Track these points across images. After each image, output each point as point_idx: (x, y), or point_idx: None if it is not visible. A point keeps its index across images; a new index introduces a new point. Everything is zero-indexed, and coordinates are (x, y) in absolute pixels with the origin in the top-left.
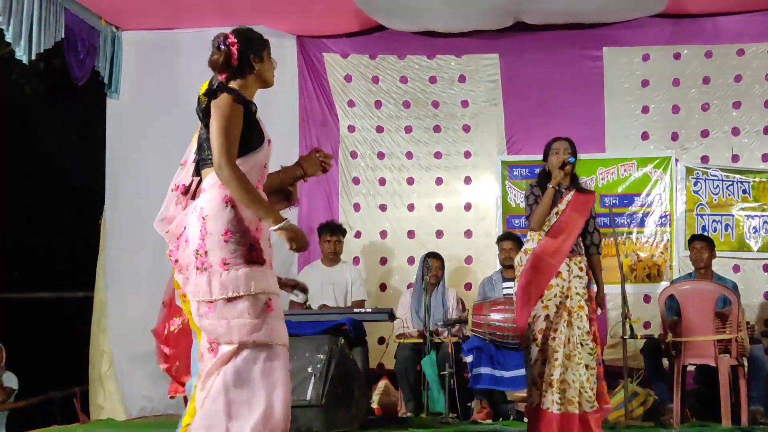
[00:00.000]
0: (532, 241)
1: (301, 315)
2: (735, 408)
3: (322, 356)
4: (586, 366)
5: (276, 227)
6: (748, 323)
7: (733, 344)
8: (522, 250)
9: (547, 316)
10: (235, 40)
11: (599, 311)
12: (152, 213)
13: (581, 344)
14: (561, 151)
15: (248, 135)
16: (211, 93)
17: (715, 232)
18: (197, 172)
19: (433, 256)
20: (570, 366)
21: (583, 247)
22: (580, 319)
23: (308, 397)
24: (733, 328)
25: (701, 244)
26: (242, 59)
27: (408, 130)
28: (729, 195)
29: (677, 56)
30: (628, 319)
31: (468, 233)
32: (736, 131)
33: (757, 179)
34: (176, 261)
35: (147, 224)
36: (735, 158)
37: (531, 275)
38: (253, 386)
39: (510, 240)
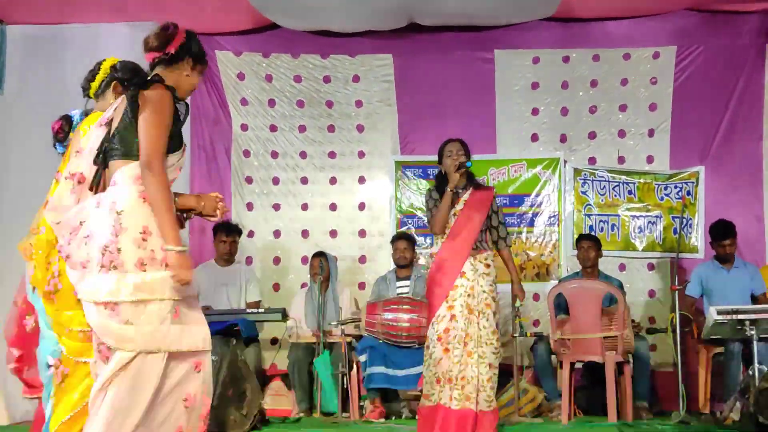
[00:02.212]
0: (436, 246)
1: None
2: (621, 403)
3: (213, 358)
4: (489, 365)
5: (172, 248)
6: (633, 321)
7: (619, 341)
8: (429, 254)
9: (453, 315)
10: (184, 35)
11: (518, 303)
12: (36, 208)
13: (485, 343)
14: (454, 153)
15: (172, 134)
16: (143, 83)
17: (601, 232)
18: (103, 162)
19: (317, 255)
20: (470, 363)
21: (489, 244)
22: (486, 318)
23: None
24: (619, 325)
25: (588, 244)
26: (179, 53)
27: (302, 129)
28: (615, 196)
29: (566, 59)
30: (517, 318)
31: (362, 233)
32: (622, 133)
33: (642, 180)
34: (68, 257)
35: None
36: (621, 160)
37: (436, 277)
38: (158, 395)
39: (404, 240)
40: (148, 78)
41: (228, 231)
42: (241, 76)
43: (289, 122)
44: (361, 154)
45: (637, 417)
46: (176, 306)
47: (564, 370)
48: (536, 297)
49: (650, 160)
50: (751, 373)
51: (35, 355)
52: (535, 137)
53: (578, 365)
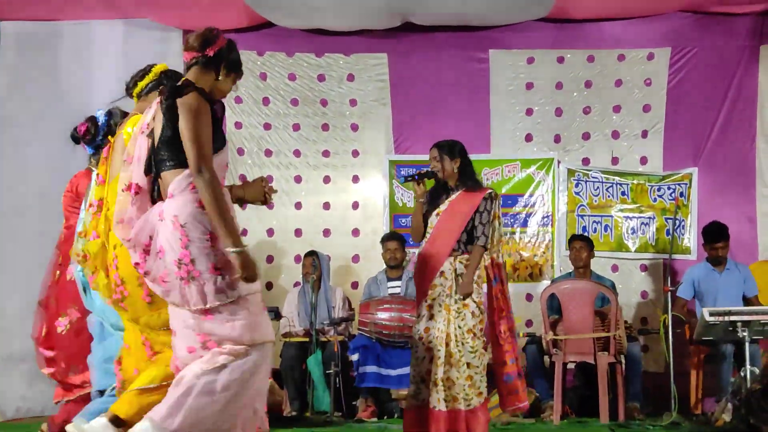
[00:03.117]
0: (421, 246)
1: None
2: (613, 404)
3: None
4: (468, 364)
5: (235, 250)
6: (625, 322)
7: (612, 342)
8: (415, 253)
9: (432, 315)
10: (225, 41)
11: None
12: (31, 206)
13: (461, 343)
14: (431, 161)
15: (213, 135)
16: (176, 90)
17: (594, 233)
18: (155, 172)
19: (309, 254)
20: (453, 364)
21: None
22: (461, 317)
23: None
24: (611, 326)
25: (581, 244)
26: (216, 58)
27: (296, 127)
28: (608, 197)
29: (561, 60)
30: None
31: (355, 232)
32: (616, 134)
33: (635, 181)
34: (146, 273)
35: (25, 218)
36: (615, 161)
37: (418, 277)
38: (249, 383)
39: (395, 240)
40: (178, 84)
41: None
42: None
43: (283, 120)
44: (355, 153)
45: (628, 418)
46: (255, 298)
47: (556, 370)
48: (529, 297)
49: (644, 161)
50: (742, 374)
51: (70, 358)
52: (529, 137)
53: (570, 366)
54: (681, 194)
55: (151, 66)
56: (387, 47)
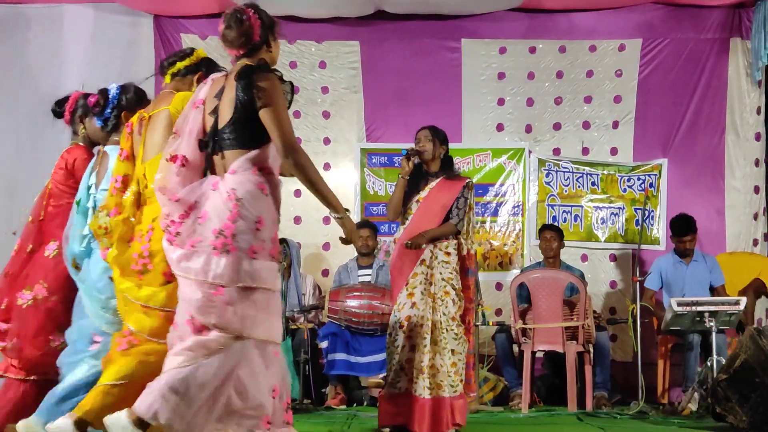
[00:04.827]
0: (398, 232)
1: None
2: (581, 393)
3: None
4: (452, 351)
5: (339, 215)
6: (594, 311)
7: (580, 331)
8: (393, 240)
9: (414, 303)
10: (257, 17)
11: (408, 242)
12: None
13: (446, 329)
14: (422, 140)
15: None
16: (251, 71)
17: (564, 223)
18: (213, 149)
19: (279, 241)
20: (438, 351)
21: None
22: (445, 305)
23: None
24: (580, 315)
25: (551, 234)
26: (262, 37)
27: None
28: (579, 187)
29: (533, 50)
30: (480, 307)
31: (326, 219)
32: (586, 125)
33: (605, 172)
34: (177, 234)
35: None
36: (585, 151)
37: (397, 264)
38: (248, 377)
39: (367, 228)
40: (255, 65)
41: None
42: None
43: None
44: (327, 141)
45: (596, 406)
46: (272, 297)
47: (525, 359)
48: (499, 286)
49: (614, 152)
50: (709, 364)
51: (24, 333)
52: (500, 127)
53: (539, 354)
54: (650, 185)
55: (192, 49)
56: (359, 35)
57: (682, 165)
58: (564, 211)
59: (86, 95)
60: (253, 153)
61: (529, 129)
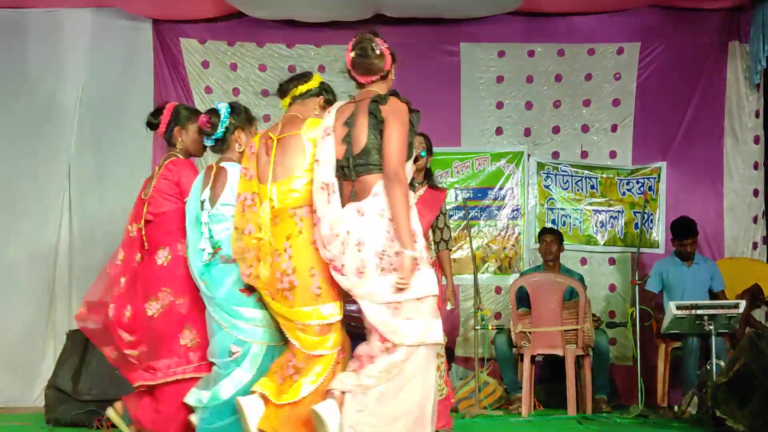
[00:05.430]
0: None
1: None
2: (581, 397)
3: None
4: (437, 354)
5: (412, 253)
6: (593, 315)
7: (580, 335)
8: None
9: None
10: (387, 48)
11: (449, 306)
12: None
13: None
14: (416, 146)
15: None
16: (385, 99)
17: (564, 226)
18: (348, 174)
19: None
20: None
21: (432, 244)
22: None
23: None
24: (579, 319)
25: (551, 237)
26: (391, 65)
27: (266, 118)
28: (578, 190)
29: (531, 54)
30: (479, 311)
31: None
32: (585, 128)
33: (604, 175)
34: (342, 265)
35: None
36: (584, 155)
37: None
38: (423, 380)
39: None
40: (386, 94)
41: None
42: (205, 64)
43: (254, 111)
44: None
45: (596, 410)
46: (435, 301)
47: (524, 363)
48: (498, 290)
49: (613, 155)
50: (708, 367)
51: (152, 341)
52: (499, 131)
53: (539, 358)
54: (650, 188)
55: (310, 72)
56: None
57: (681, 168)
58: (563, 215)
59: (184, 106)
60: None
61: (528, 132)
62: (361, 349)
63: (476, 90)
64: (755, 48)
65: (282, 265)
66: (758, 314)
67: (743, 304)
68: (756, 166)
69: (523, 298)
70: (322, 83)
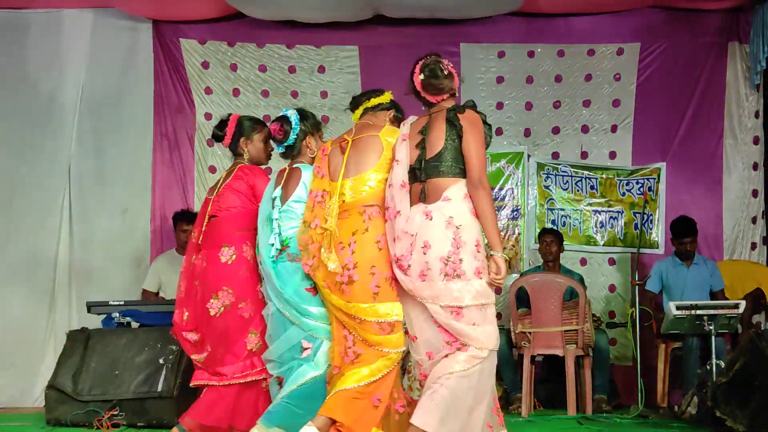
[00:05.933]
0: None
1: (152, 305)
2: (580, 397)
3: (173, 347)
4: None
5: (502, 255)
6: (593, 315)
7: (580, 335)
8: None
9: None
10: (452, 66)
11: None
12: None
13: None
14: None
15: None
16: (462, 109)
17: (564, 227)
18: (419, 177)
19: None
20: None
21: None
22: None
23: (159, 389)
24: (579, 319)
25: (550, 238)
26: (459, 81)
27: (266, 119)
28: (578, 191)
29: (531, 54)
30: None
31: None
32: (585, 129)
33: (604, 176)
34: (409, 266)
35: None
36: (584, 155)
37: None
38: (489, 386)
39: None
40: (463, 105)
41: (189, 220)
42: (205, 65)
43: (254, 112)
44: None
45: (596, 410)
46: (493, 308)
47: (524, 363)
48: (498, 290)
49: (613, 155)
50: (708, 367)
51: (221, 341)
52: (499, 131)
53: (538, 358)
54: (649, 189)
55: (383, 89)
56: (358, 39)
57: (680, 169)
58: (563, 215)
59: (247, 117)
60: (464, 181)
61: (527, 133)
62: (420, 354)
63: (476, 90)
64: (755, 48)
65: (344, 259)
66: (757, 318)
67: (743, 304)
68: (755, 167)
69: (523, 299)
70: (392, 100)
